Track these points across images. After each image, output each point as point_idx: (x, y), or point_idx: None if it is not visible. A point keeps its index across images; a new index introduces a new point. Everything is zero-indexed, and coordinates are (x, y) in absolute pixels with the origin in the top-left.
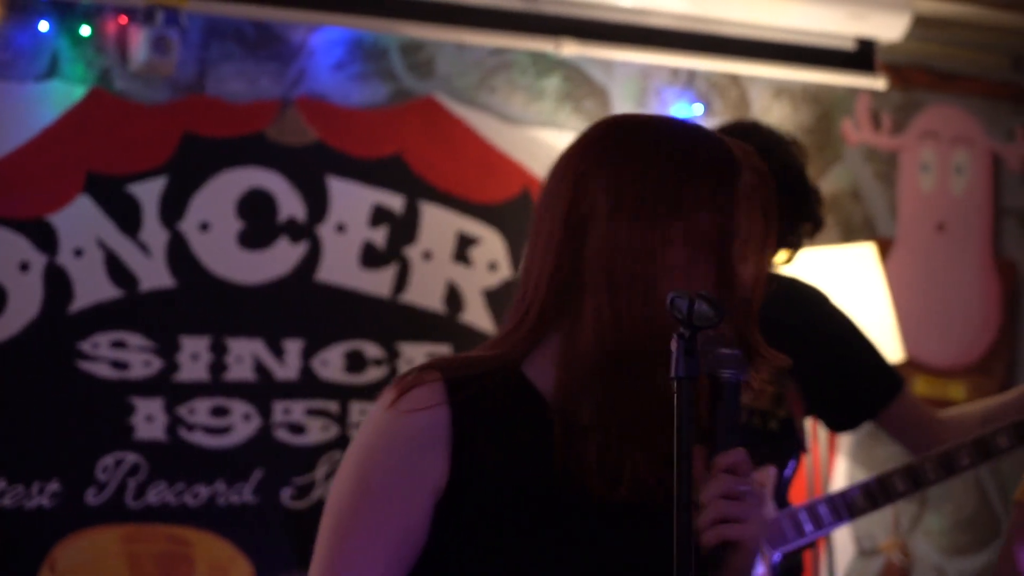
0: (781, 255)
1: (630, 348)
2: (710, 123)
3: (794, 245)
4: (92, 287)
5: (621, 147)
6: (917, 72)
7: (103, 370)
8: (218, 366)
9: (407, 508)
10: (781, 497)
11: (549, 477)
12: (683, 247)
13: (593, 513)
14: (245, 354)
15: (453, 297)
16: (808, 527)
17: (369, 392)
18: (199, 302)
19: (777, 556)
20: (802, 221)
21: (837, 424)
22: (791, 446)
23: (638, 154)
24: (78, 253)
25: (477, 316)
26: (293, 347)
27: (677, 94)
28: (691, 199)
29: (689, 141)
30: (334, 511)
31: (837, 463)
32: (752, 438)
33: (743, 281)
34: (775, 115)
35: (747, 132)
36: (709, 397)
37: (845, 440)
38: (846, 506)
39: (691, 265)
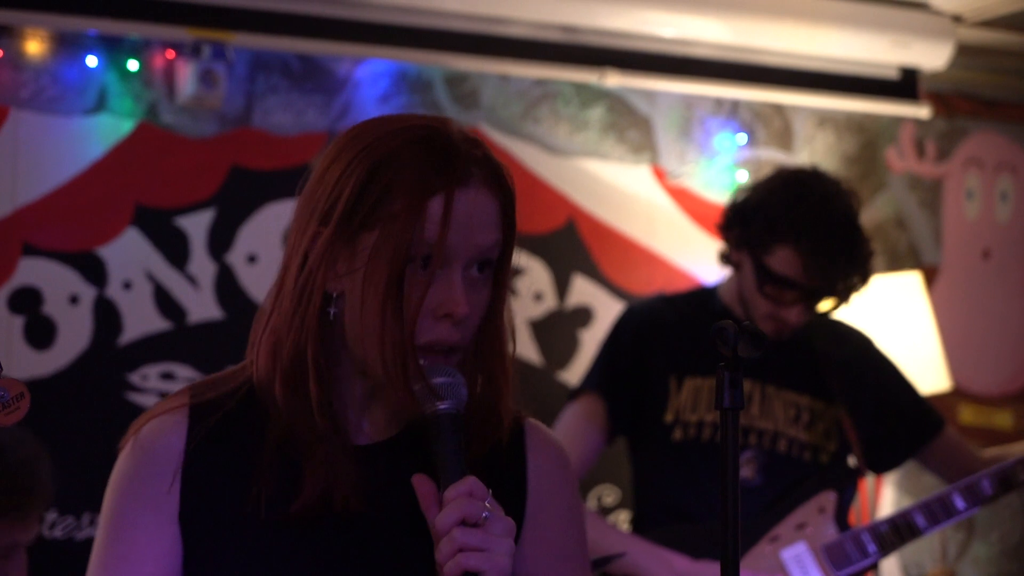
0: (827, 303)
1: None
2: (754, 152)
3: (842, 295)
4: (141, 319)
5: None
6: (961, 100)
7: (152, 402)
8: None
9: (152, 535)
10: (842, 521)
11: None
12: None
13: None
14: None
15: None
16: (871, 548)
17: None
18: (247, 334)
19: (841, 574)
20: (854, 272)
21: (876, 464)
22: (846, 475)
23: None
24: (127, 286)
25: (523, 346)
26: None
27: (721, 124)
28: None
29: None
30: (96, 537)
31: (884, 492)
32: (805, 471)
33: (792, 323)
34: (819, 144)
35: (809, 180)
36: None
37: None
38: (907, 525)
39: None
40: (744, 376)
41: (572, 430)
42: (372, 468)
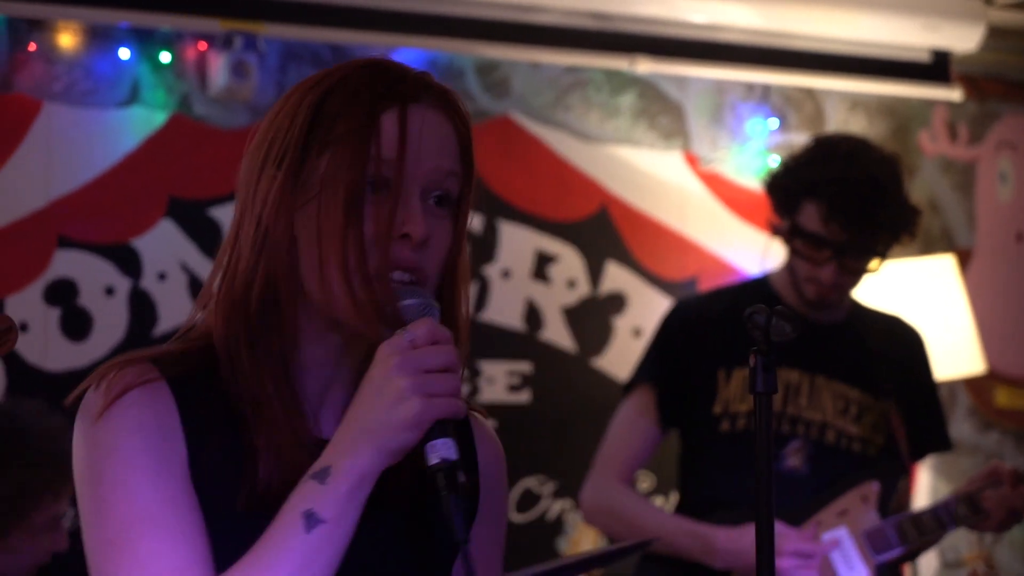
0: (872, 263)
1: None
2: (786, 137)
3: (880, 253)
4: (176, 310)
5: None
6: (992, 82)
7: None
8: None
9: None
10: (884, 511)
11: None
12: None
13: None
14: None
15: (532, 315)
16: (912, 534)
17: None
18: None
19: (881, 560)
20: (881, 229)
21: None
22: (893, 468)
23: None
24: (162, 277)
25: (556, 333)
26: None
27: (752, 109)
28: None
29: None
30: (108, 527)
31: (920, 476)
32: (853, 462)
33: (826, 282)
34: (851, 128)
35: (838, 141)
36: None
37: None
38: (949, 514)
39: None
40: (794, 366)
41: (627, 424)
42: None
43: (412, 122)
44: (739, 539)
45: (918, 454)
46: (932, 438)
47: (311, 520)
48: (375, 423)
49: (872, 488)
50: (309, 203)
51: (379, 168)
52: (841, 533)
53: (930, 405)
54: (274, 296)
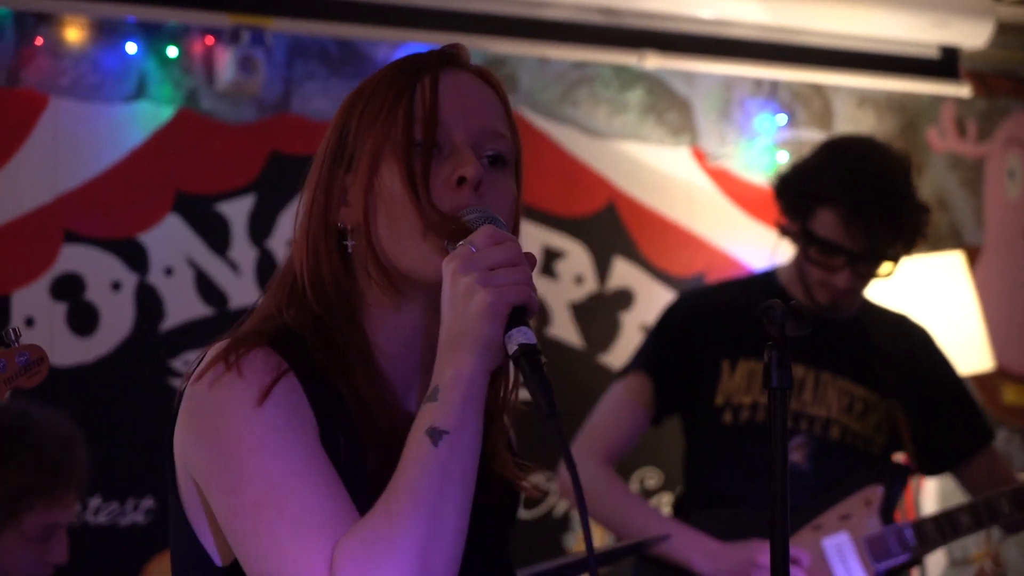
0: (885, 267)
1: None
2: (794, 133)
3: (891, 257)
4: (183, 305)
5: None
6: (1001, 79)
7: None
8: None
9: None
10: (887, 516)
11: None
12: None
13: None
14: None
15: (539, 311)
16: (913, 543)
17: None
18: None
19: (881, 568)
20: (897, 234)
21: (926, 465)
22: (896, 469)
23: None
24: (168, 272)
25: (564, 330)
26: None
27: (760, 105)
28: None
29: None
30: (253, 491)
31: (927, 483)
32: (856, 460)
33: (841, 288)
34: (860, 124)
35: (849, 144)
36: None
37: None
38: (951, 524)
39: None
40: (799, 361)
41: (616, 406)
42: None
43: (445, 83)
44: (716, 556)
45: (963, 454)
46: (971, 435)
47: (435, 435)
48: (459, 328)
49: (876, 492)
50: (366, 178)
51: (423, 131)
52: (842, 538)
53: (958, 401)
54: (340, 286)
